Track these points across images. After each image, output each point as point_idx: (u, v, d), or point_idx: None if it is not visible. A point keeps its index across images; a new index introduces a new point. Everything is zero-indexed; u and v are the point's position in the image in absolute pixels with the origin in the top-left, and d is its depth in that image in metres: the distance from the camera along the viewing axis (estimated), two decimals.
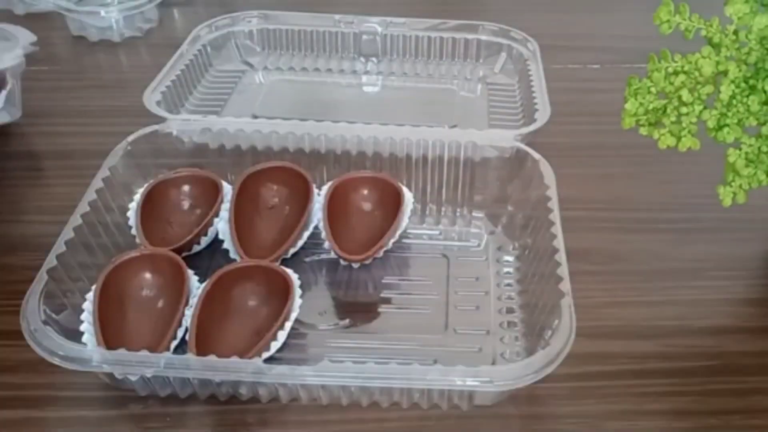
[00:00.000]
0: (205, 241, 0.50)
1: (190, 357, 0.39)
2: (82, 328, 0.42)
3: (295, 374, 0.38)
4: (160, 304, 0.45)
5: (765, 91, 0.41)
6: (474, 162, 0.53)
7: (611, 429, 0.41)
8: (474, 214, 0.54)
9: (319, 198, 0.51)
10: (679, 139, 0.43)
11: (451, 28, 0.70)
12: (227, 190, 0.51)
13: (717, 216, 0.51)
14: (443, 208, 0.54)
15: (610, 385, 0.43)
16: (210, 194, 0.51)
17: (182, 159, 0.54)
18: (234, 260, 0.47)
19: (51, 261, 0.43)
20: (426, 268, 0.50)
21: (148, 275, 0.45)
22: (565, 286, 0.41)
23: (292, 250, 0.49)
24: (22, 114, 0.62)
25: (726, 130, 0.42)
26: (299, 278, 0.45)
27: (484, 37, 0.70)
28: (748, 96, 0.42)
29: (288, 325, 0.43)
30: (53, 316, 0.41)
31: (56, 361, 0.38)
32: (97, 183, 0.49)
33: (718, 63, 0.42)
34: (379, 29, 0.70)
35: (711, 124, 0.42)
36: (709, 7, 0.44)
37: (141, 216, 0.49)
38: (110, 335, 0.41)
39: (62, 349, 0.38)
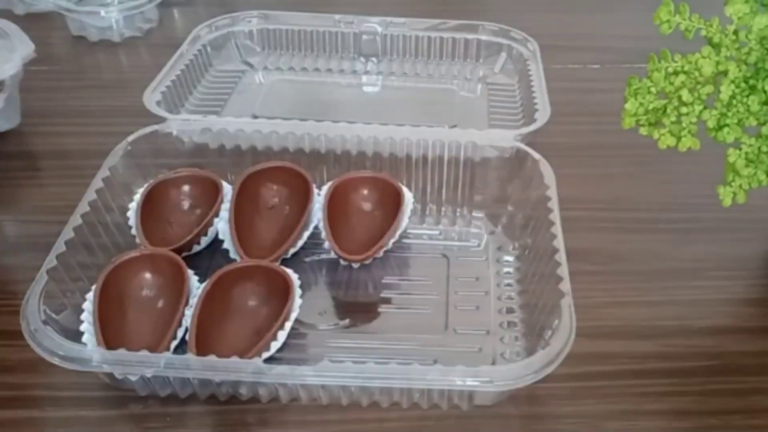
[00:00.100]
0: (205, 241, 0.50)
1: (190, 357, 0.39)
2: (82, 328, 0.42)
3: (295, 374, 0.38)
4: (160, 304, 0.45)
5: (765, 91, 0.41)
6: (474, 162, 0.53)
7: (611, 429, 0.41)
8: (474, 214, 0.54)
9: (319, 198, 0.51)
10: (679, 139, 0.43)
11: (451, 28, 0.70)
12: (227, 190, 0.51)
13: (717, 216, 0.51)
14: (443, 208, 0.54)
15: (610, 385, 0.43)
16: (210, 194, 0.51)
17: (182, 159, 0.54)
18: (234, 260, 0.47)
19: (51, 261, 0.43)
20: (426, 268, 0.50)
21: (148, 275, 0.45)
22: (565, 286, 0.41)
23: (292, 250, 0.49)
24: (22, 114, 0.62)
25: (726, 130, 0.42)
26: (299, 278, 0.45)
27: (484, 37, 0.70)
28: (748, 96, 0.41)
29: (288, 325, 0.43)
30: (53, 316, 0.41)
31: (56, 361, 0.38)
32: (97, 183, 0.49)
33: (718, 63, 0.42)
34: (379, 29, 0.70)
35: (711, 124, 0.42)
36: (709, 7, 0.44)
37: (141, 216, 0.49)
38: (110, 335, 0.41)
39: (62, 349, 0.38)
